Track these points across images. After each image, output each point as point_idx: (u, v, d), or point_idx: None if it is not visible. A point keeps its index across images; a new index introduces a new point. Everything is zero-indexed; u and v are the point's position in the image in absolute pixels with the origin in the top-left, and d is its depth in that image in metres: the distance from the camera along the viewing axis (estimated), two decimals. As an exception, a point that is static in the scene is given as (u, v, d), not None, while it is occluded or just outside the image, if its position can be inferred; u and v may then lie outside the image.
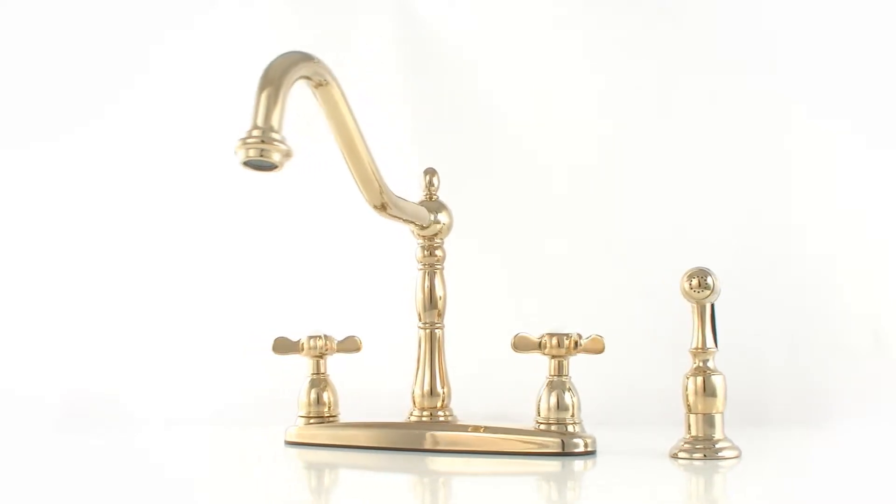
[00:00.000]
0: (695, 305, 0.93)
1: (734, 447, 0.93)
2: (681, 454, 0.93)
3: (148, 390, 1.32)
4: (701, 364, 0.94)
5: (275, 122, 0.68)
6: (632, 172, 1.27)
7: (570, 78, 1.30)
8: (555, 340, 0.96)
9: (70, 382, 1.31)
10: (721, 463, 0.90)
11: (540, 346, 0.96)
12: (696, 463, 0.90)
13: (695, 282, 0.93)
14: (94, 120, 1.35)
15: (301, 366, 1.10)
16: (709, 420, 0.93)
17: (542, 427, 0.96)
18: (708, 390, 0.93)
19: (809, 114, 1.23)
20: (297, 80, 0.74)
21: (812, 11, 1.23)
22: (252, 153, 0.66)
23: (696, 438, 0.93)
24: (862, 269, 1.19)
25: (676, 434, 0.95)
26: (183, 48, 1.36)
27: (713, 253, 1.23)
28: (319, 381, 1.08)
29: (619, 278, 1.26)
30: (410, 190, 1.07)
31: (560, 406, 0.96)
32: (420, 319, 1.05)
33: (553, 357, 0.97)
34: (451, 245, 1.06)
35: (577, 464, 0.92)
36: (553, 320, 1.00)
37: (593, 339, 0.96)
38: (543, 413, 0.96)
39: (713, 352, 0.94)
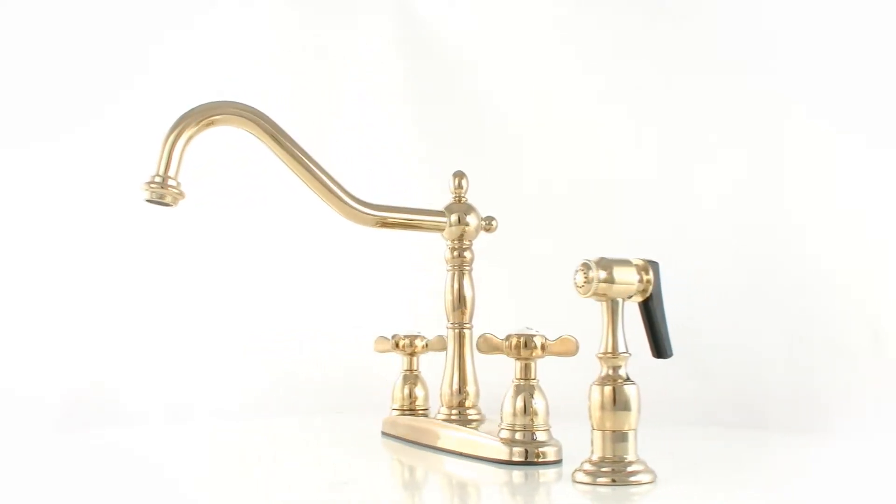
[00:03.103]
0: (603, 303, 0.80)
1: (649, 470, 0.80)
2: (579, 476, 0.80)
3: (149, 389, 1.32)
4: (610, 372, 0.80)
5: (172, 170, 0.84)
6: (632, 172, 1.27)
7: (569, 78, 1.30)
8: (521, 341, 0.89)
9: (70, 382, 1.31)
10: (634, 489, 0.78)
11: (506, 348, 0.89)
12: (601, 489, 0.79)
13: (578, 277, 0.80)
14: (94, 120, 1.35)
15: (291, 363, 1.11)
16: (619, 438, 0.79)
17: (506, 434, 0.90)
18: (619, 403, 0.79)
19: (809, 114, 1.23)
20: (200, 127, 0.87)
21: (811, 12, 1.23)
22: (153, 196, 0.82)
23: (602, 460, 0.80)
24: (862, 269, 1.19)
25: (671, 438, 0.94)
26: (183, 48, 1.36)
27: (713, 253, 1.23)
28: (411, 377, 1.12)
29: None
30: (411, 190, 1.07)
31: (527, 411, 0.89)
32: (448, 319, 1.05)
33: (518, 359, 0.90)
34: (419, 242, 1.06)
35: (540, 474, 0.87)
36: (551, 321, 0.98)
37: (563, 340, 0.88)
38: (508, 419, 0.90)
39: (626, 357, 0.80)
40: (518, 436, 0.90)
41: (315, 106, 1.36)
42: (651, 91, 1.27)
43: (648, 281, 0.81)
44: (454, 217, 1.03)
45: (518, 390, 0.90)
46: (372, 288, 1.33)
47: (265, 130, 0.93)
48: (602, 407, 0.79)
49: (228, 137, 0.95)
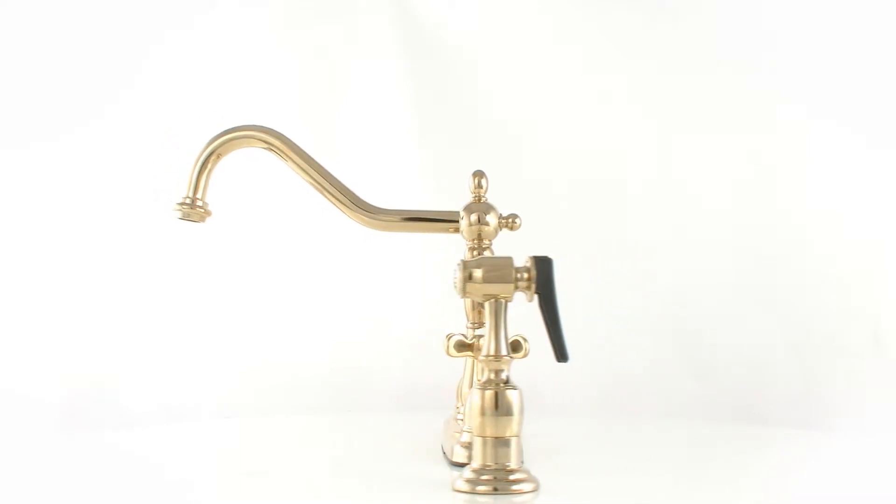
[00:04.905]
0: (486, 303, 0.78)
1: (532, 479, 0.77)
2: (458, 484, 0.77)
3: (151, 389, 1.32)
4: (492, 375, 0.77)
5: (199, 192, 0.95)
6: (632, 172, 1.28)
7: (569, 78, 1.30)
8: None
9: (71, 382, 1.31)
10: (516, 498, 0.76)
11: (473, 349, 0.88)
12: (482, 499, 0.76)
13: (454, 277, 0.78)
14: (94, 120, 1.35)
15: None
16: (501, 444, 0.76)
17: (468, 437, 0.86)
18: (501, 408, 0.76)
19: (809, 113, 1.23)
20: (219, 156, 0.96)
21: (811, 12, 1.23)
22: (181, 215, 0.95)
23: (483, 468, 0.76)
24: (862, 269, 1.19)
25: (663, 437, 0.94)
26: (183, 49, 1.36)
27: (713, 253, 1.23)
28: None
29: (621, 279, 1.26)
30: (412, 191, 1.07)
31: None
32: (468, 319, 1.04)
33: (480, 360, 0.85)
34: (454, 245, 1.06)
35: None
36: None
37: (514, 342, 0.84)
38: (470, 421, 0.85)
39: (508, 361, 0.78)
40: None
41: (315, 106, 1.35)
42: (651, 90, 1.28)
43: (530, 279, 0.78)
44: (473, 216, 1.02)
45: None
46: (384, 289, 1.33)
47: (284, 151, 0.98)
48: (483, 412, 0.76)
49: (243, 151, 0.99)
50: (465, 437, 0.88)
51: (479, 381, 0.78)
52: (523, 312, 0.83)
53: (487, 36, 1.33)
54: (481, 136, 1.32)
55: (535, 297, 0.79)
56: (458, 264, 0.79)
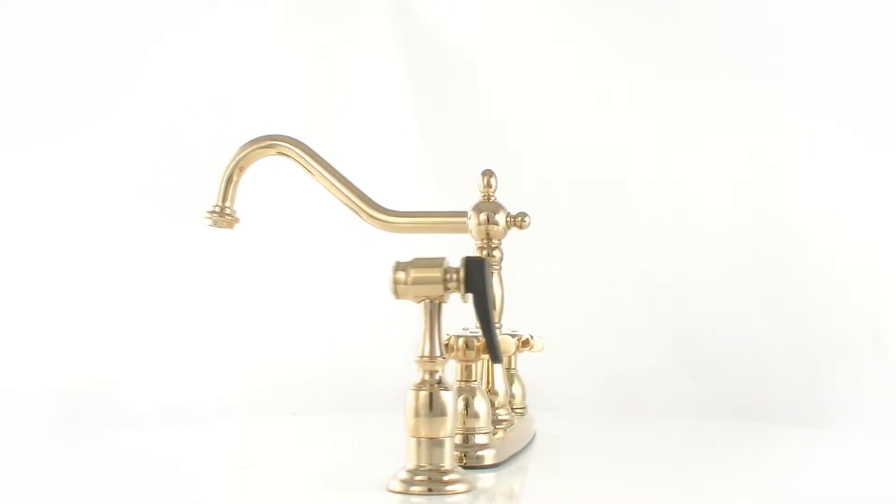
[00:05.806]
0: (421, 304, 0.78)
1: (465, 480, 0.77)
2: (393, 484, 0.77)
3: (151, 389, 1.32)
4: (427, 377, 0.77)
5: (228, 201, 1.00)
6: (632, 172, 1.28)
7: (569, 78, 1.30)
8: (462, 343, 0.86)
9: (71, 382, 1.31)
10: (450, 499, 0.76)
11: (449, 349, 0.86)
12: (416, 500, 0.76)
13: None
14: (94, 120, 1.35)
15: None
16: (436, 445, 0.76)
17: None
18: (435, 409, 0.76)
19: (809, 113, 1.23)
20: (238, 160, 1.00)
21: (811, 12, 1.23)
22: (210, 223, 1.01)
23: (417, 468, 0.77)
24: (862, 269, 1.19)
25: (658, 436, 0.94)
26: (183, 49, 1.36)
27: (713, 253, 1.23)
28: (509, 376, 1.07)
29: (621, 279, 1.26)
30: (412, 191, 1.07)
31: (469, 413, 0.86)
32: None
33: (460, 361, 0.87)
34: (455, 245, 1.05)
35: (479, 477, 0.83)
36: (547, 321, 0.96)
37: (501, 340, 0.87)
38: None
39: (443, 362, 0.77)
40: (458, 439, 0.86)
41: (315, 106, 1.36)
42: (651, 90, 1.28)
43: (459, 279, 0.77)
44: (482, 216, 1.02)
45: (459, 392, 0.86)
46: (385, 289, 1.33)
47: (306, 161, 1.01)
48: (417, 413, 0.76)
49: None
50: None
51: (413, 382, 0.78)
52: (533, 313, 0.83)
53: (487, 36, 1.33)
54: (481, 136, 1.32)
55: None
56: (392, 265, 0.79)
